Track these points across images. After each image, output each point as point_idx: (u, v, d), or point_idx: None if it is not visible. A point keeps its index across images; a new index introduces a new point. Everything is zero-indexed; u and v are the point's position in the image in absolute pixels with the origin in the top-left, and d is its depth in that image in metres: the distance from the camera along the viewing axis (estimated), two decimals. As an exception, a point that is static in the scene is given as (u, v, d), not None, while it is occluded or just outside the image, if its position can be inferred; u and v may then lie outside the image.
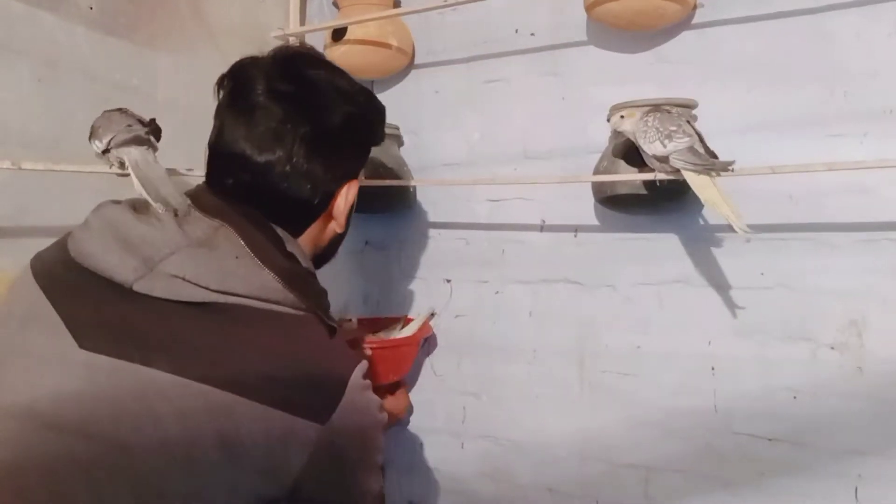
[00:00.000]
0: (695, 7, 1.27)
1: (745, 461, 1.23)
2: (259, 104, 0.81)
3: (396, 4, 1.61)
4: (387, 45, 1.54)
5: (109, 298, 0.71)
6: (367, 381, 0.79)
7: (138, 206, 0.80)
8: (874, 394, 1.14)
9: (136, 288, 0.70)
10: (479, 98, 1.55)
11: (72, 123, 1.17)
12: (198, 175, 1.17)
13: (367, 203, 1.47)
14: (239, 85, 0.84)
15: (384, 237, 1.68)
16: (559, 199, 1.44)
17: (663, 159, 1.07)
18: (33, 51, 1.16)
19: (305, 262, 0.84)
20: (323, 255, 0.93)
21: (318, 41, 1.65)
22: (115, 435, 0.66)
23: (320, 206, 0.86)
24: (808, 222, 1.19)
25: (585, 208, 1.41)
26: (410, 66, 1.64)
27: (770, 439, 1.22)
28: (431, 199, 1.61)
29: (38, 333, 0.72)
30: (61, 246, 0.77)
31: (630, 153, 1.20)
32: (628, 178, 1.18)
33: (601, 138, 1.28)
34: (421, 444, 1.61)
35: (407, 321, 1.53)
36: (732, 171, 1.04)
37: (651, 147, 1.08)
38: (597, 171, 1.25)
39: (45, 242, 0.82)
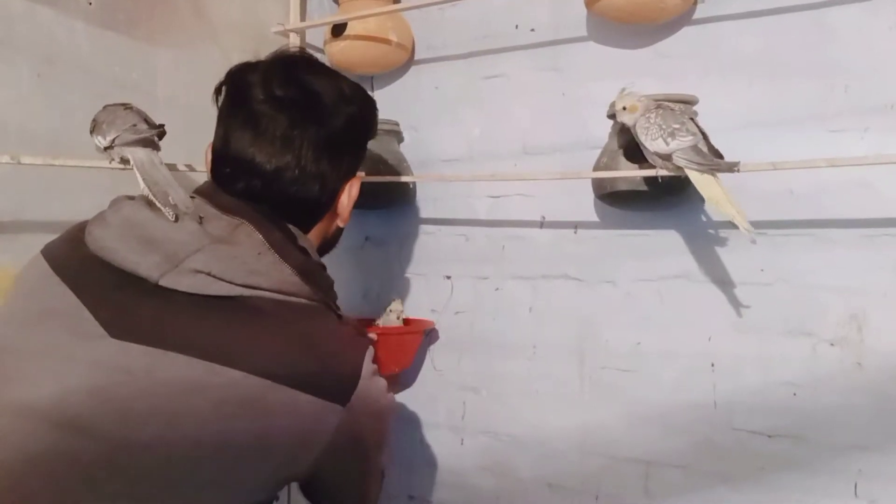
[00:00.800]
0: (695, 2, 1.27)
1: (745, 457, 1.23)
2: (263, 112, 0.83)
3: (396, 0, 1.61)
4: (387, 41, 1.54)
5: (136, 292, 0.73)
6: (376, 366, 0.84)
7: (153, 202, 0.82)
8: (874, 389, 1.14)
9: (162, 283, 0.73)
10: (479, 94, 1.54)
11: (71, 119, 1.17)
12: (199, 172, 1.17)
13: (367, 199, 1.46)
14: (237, 91, 0.86)
15: (384, 233, 1.68)
16: (559, 196, 1.44)
17: (666, 157, 1.07)
18: (32, 47, 1.16)
19: (315, 256, 0.87)
20: (326, 247, 0.97)
21: (318, 37, 1.65)
22: (149, 422, 0.68)
23: (327, 204, 0.90)
24: (808, 218, 1.19)
25: (585, 204, 1.41)
26: (410, 61, 1.64)
27: (770, 435, 1.22)
28: (431, 195, 1.61)
29: (61, 327, 0.72)
30: (75, 240, 0.78)
31: (630, 149, 1.20)
32: (629, 174, 1.18)
33: (601, 134, 1.28)
34: (421, 440, 1.62)
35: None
36: (738, 171, 1.04)
37: (653, 144, 1.07)
38: (597, 168, 1.25)
39: (45, 238, 0.82)
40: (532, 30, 1.48)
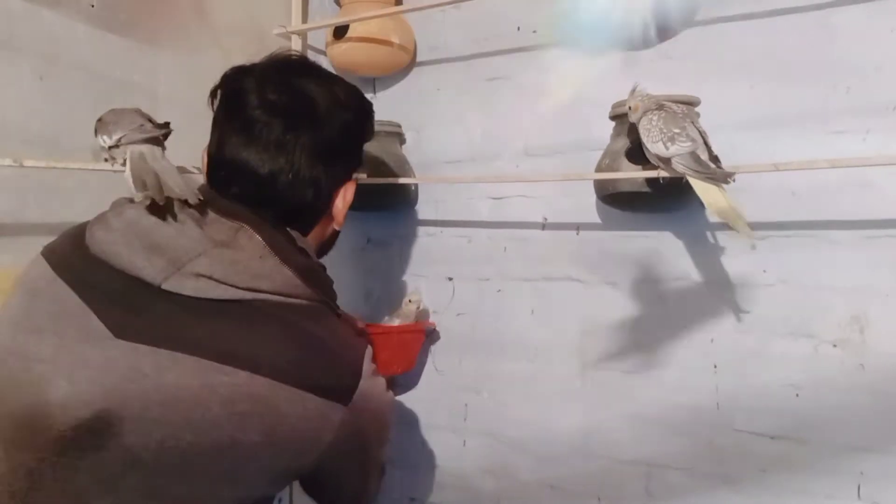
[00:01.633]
0: (697, 3, 1.27)
1: (747, 458, 1.23)
2: (256, 118, 0.84)
3: (398, 2, 1.61)
4: (388, 43, 1.54)
5: (140, 295, 0.74)
6: (374, 365, 0.85)
7: (154, 205, 0.81)
8: (876, 390, 1.14)
9: (164, 286, 0.73)
10: (481, 95, 1.54)
11: (73, 120, 1.17)
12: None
13: (369, 201, 1.48)
14: (232, 96, 0.87)
15: (386, 235, 1.68)
16: (561, 197, 1.44)
17: (665, 161, 1.07)
18: (34, 48, 1.16)
19: (314, 257, 0.88)
20: (322, 249, 0.98)
21: (320, 38, 1.65)
22: (161, 420, 0.69)
23: (322, 209, 0.91)
24: (810, 219, 1.19)
25: (587, 206, 1.40)
26: (412, 63, 1.64)
27: (772, 436, 1.22)
28: (433, 196, 1.61)
29: (69, 330, 0.73)
30: (76, 242, 0.78)
31: (632, 150, 1.19)
32: (630, 175, 1.18)
33: (603, 135, 1.28)
34: (422, 441, 1.61)
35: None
36: (734, 181, 1.02)
37: (654, 147, 1.07)
38: (599, 169, 1.25)
39: (46, 239, 0.82)
40: (534, 31, 1.48)
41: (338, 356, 0.81)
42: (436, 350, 1.60)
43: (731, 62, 1.26)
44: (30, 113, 1.15)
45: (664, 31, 1.23)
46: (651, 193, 1.18)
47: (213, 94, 0.89)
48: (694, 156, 1.04)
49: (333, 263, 0.94)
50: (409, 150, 1.57)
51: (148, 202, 0.79)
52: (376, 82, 1.69)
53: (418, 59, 1.64)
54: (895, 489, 1.12)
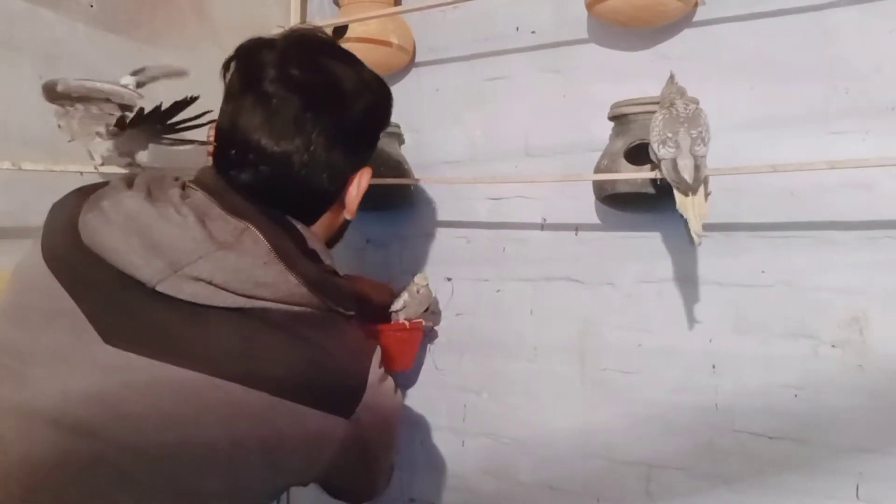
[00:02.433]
0: (696, 4, 1.27)
1: (746, 458, 1.23)
2: (275, 93, 0.79)
3: (397, 2, 1.61)
4: (388, 43, 1.54)
5: (134, 296, 0.70)
6: (383, 368, 0.83)
7: (154, 188, 0.76)
8: (876, 391, 1.14)
9: (159, 289, 0.69)
10: (480, 96, 1.54)
11: (72, 121, 1.17)
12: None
13: (368, 201, 1.46)
14: (250, 69, 0.81)
15: (385, 235, 1.68)
16: (560, 197, 1.44)
17: (658, 162, 1.09)
18: (34, 48, 1.16)
19: (327, 258, 0.84)
20: (330, 242, 0.93)
21: (319, 39, 1.65)
22: (149, 429, 0.67)
23: (335, 195, 0.86)
24: (809, 219, 1.19)
25: (586, 206, 1.40)
26: (411, 63, 1.64)
27: (771, 437, 1.22)
28: (432, 197, 1.61)
29: (61, 330, 0.70)
30: (70, 229, 0.73)
31: (630, 152, 1.20)
32: (629, 176, 1.18)
33: (602, 136, 1.28)
34: (422, 442, 1.61)
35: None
36: (694, 195, 1.06)
37: (652, 145, 1.09)
38: (598, 170, 1.25)
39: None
40: (533, 32, 1.48)
41: (342, 368, 0.77)
42: (435, 350, 1.60)
43: (731, 63, 1.26)
44: (29, 112, 1.15)
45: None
46: (650, 194, 1.18)
47: (226, 67, 0.83)
48: (673, 163, 1.07)
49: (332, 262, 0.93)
50: (408, 151, 1.57)
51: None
52: (375, 83, 1.69)
53: (417, 59, 1.64)
54: (894, 490, 1.12)
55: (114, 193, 0.75)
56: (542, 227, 1.47)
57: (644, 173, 1.15)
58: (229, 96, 0.82)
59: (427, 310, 1.49)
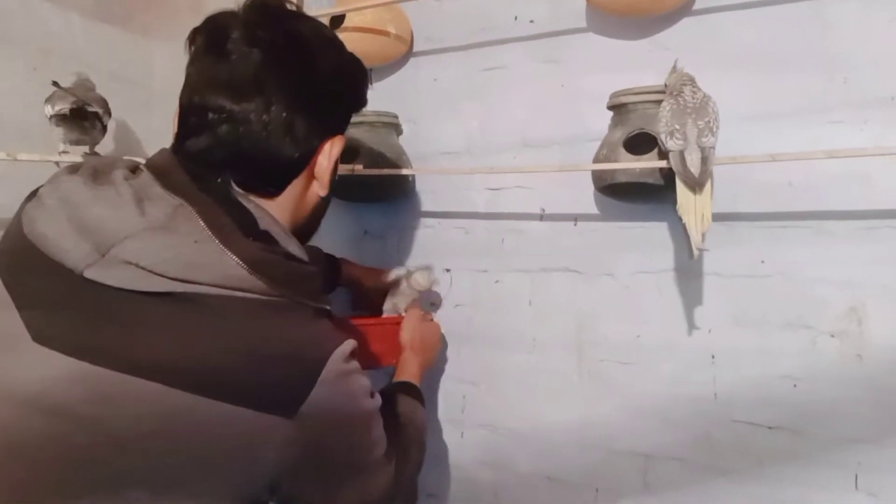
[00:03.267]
0: (694, -7, 1.27)
1: (745, 449, 1.23)
2: (235, 49, 0.75)
3: (394, -9, 1.60)
4: (385, 33, 1.53)
5: (62, 286, 0.66)
6: (351, 366, 0.74)
7: (99, 172, 0.72)
8: (874, 381, 1.14)
9: (87, 275, 0.65)
10: (478, 86, 1.54)
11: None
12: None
13: (366, 192, 1.48)
14: (212, 36, 0.77)
15: (383, 226, 1.68)
16: (558, 188, 1.44)
17: (665, 152, 1.08)
18: (28, 40, 1.16)
19: (285, 240, 0.76)
20: (307, 225, 0.87)
21: (316, 29, 1.64)
22: (64, 436, 0.63)
23: (300, 163, 0.80)
24: (807, 210, 1.19)
25: (585, 197, 1.40)
26: (409, 53, 1.63)
27: (769, 427, 1.22)
28: (430, 187, 1.61)
29: (2, 323, 0.67)
30: (16, 220, 0.71)
31: (629, 141, 1.19)
32: (628, 166, 1.18)
33: (601, 126, 1.28)
34: (421, 433, 1.61)
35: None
36: (700, 193, 1.05)
37: (661, 136, 1.09)
38: (596, 160, 1.25)
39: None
40: (531, 21, 1.47)
41: (283, 361, 0.69)
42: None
43: (728, 53, 1.25)
44: (24, 105, 1.15)
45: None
46: (649, 184, 1.18)
47: (191, 40, 0.79)
48: (681, 156, 1.05)
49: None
50: (406, 141, 1.57)
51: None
52: (373, 73, 1.68)
53: (415, 49, 1.63)
54: (892, 480, 1.12)
55: (53, 179, 0.72)
56: (541, 217, 1.47)
57: (643, 163, 1.15)
58: (190, 62, 0.78)
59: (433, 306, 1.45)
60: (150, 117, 1.32)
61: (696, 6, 1.29)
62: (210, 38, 0.77)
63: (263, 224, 0.75)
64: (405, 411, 1.09)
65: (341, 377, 0.72)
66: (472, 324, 1.54)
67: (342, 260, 1.46)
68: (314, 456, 0.71)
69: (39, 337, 0.65)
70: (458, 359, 1.56)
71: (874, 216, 1.14)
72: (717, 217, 1.23)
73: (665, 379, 1.31)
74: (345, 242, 1.69)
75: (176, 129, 0.78)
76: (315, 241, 0.97)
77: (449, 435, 1.58)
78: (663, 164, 1.10)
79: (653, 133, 1.14)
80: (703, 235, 1.05)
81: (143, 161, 0.78)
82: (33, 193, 0.72)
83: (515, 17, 1.49)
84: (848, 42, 1.16)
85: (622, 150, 1.20)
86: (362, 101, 0.90)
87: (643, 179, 1.18)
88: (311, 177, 0.83)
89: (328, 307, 0.78)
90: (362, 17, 1.50)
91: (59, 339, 0.65)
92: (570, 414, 1.41)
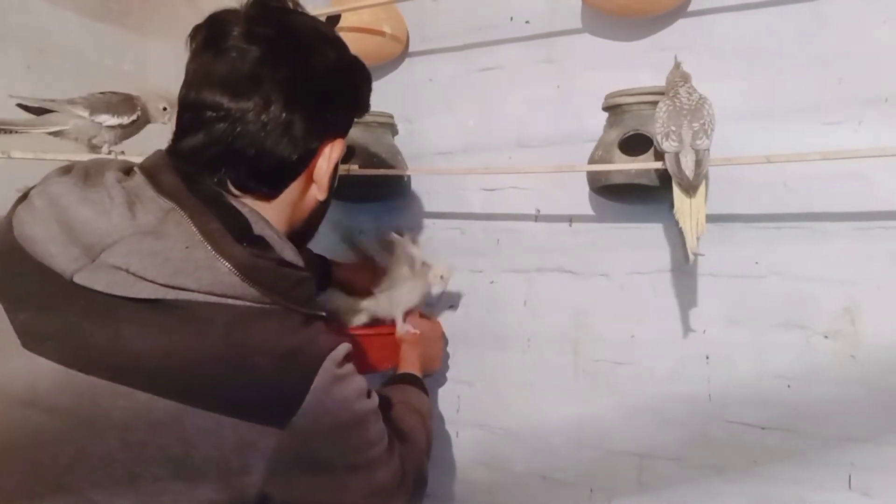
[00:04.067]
0: (690, -6, 1.27)
1: (739, 449, 1.24)
2: (233, 46, 0.73)
3: (390, -9, 1.60)
4: (380, 33, 1.53)
5: (51, 291, 0.65)
6: (344, 370, 0.73)
7: (91, 174, 0.71)
8: (867, 381, 1.14)
9: (76, 280, 0.64)
10: (474, 86, 1.54)
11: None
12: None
13: (361, 192, 1.48)
14: (213, 34, 0.76)
15: (378, 226, 1.68)
16: (554, 188, 1.44)
17: (661, 154, 1.08)
18: (23, 36, 1.15)
19: (279, 245, 0.75)
20: (304, 230, 0.86)
21: (312, 28, 1.64)
22: (59, 450, 0.63)
23: (299, 166, 0.78)
24: (802, 211, 1.19)
25: (580, 197, 1.40)
26: (404, 53, 1.63)
27: (763, 427, 1.22)
28: (426, 188, 1.61)
29: None
30: (6, 224, 0.70)
31: (625, 142, 1.19)
32: (623, 167, 1.18)
33: (596, 126, 1.28)
34: (415, 433, 1.61)
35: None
36: (694, 196, 1.05)
37: (656, 137, 1.09)
38: (592, 160, 1.25)
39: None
40: (527, 21, 1.47)
41: (277, 369, 0.67)
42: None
43: (725, 53, 1.26)
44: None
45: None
46: (644, 185, 1.18)
47: (192, 37, 0.77)
48: (676, 158, 1.05)
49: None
50: (402, 141, 1.57)
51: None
52: (369, 73, 1.68)
53: (411, 49, 1.63)
54: (885, 479, 1.13)
55: (44, 180, 0.71)
56: (536, 218, 1.47)
57: (638, 164, 1.15)
58: (190, 59, 0.77)
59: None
60: (145, 116, 1.31)
61: (692, 7, 1.29)
62: (210, 34, 0.76)
63: (258, 228, 0.74)
64: (408, 399, 1.09)
65: (335, 383, 0.71)
66: (467, 324, 1.54)
67: (332, 261, 1.46)
68: (309, 462, 0.70)
69: (28, 343, 0.64)
70: (453, 359, 1.56)
71: (868, 216, 1.15)
72: (712, 218, 1.24)
73: (660, 379, 1.32)
74: (340, 243, 1.68)
75: (176, 121, 0.77)
76: (311, 243, 0.97)
77: (444, 434, 1.57)
78: (658, 165, 1.11)
79: (648, 134, 1.15)
80: (698, 240, 1.05)
81: (136, 162, 0.77)
82: (24, 195, 0.72)
83: (511, 18, 1.49)
84: (843, 43, 1.16)
85: (617, 151, 1.20)
86: (364, 105, 0.88)
87: (638, 180, 1.18)
88: (310, 180, 0.81)
89: (323, 313, 0.77)
90: (358, 16, 1.50)
91: (48, 346, 0.64)
92: (565, 414, 1.41)
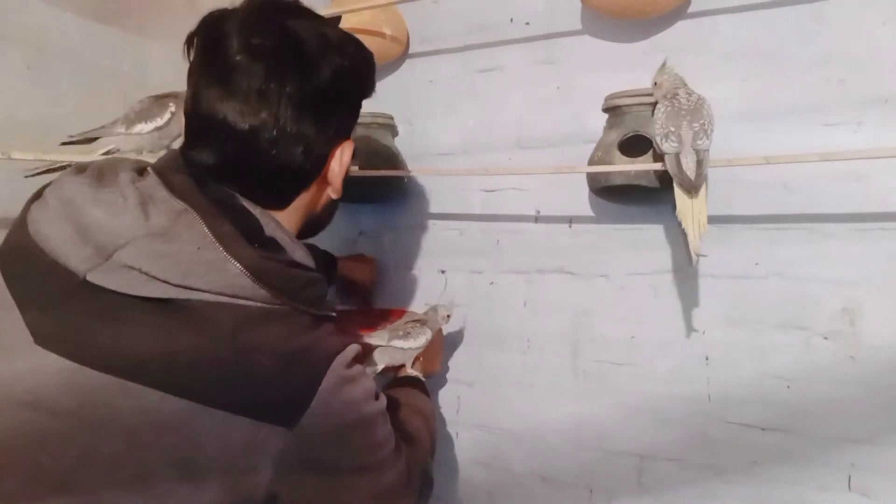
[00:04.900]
0: (690, -5, 1.27)
1: (739, 449, 1.24)
2: (237, 64, 0.73)
3: (390, -8, 1.60)
4: (380, 34, 1.53)
5: (64, 289, 0.66)
6: (353, 371, 0.73)
7: (105, 173, 0.71)
8: (867, 382, 1.14)
9: (89, 279, 0.65)
10: (474, 87, 1.54)
11: (61, 110, 1.16)
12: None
13: (361, 193, 1.48)
14: (211, 42, 0.75)
15: (378, 227, 1.68)
16: (554, 189, 1.44)
17: (661, 155, 1.08)
18: (23, 37, 1.15)
19: (290, 247, 0.76)
20: (317, 223, 0.87)
21: (312, 29, 1.64)
22: (65, 451, 0.63)
23: (313, 172, 0.79)
24: (802, 212, 1.19)
25: (580, 198, 1.40)
26: (404, 54, 1.63)
27: (763, 428, 1.22)
28: (426, 189, 1.61)
29: (4, 321, 0.67)
30: (21, 222, 0.71)
31: (624, 143, 1.20)
32: (623, 168, 1.18)
33: (596, 127, 1.28)
34: (415, 434, 1.61)
35: (398, 314, 1.50)
36: (696, 196, 1.05)
37: (656, 139, 1.09)
38: (591, 162, 1.25)
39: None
40: (527, 23, 1.48)
41: (286, 370, 0.67)
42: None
43: (725, 54, 1.26)
44: (18, 102, 1.14)
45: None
46: (643, 186, 1.18)
47: (189, 42, 0.77)
48: (676, 158, 1.06)
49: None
50: (402, 142, 1.57)
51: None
52: (368, 74, 1.68)
53: (411, 50, 1.63)
54: (885, 480, 1.13)
55: (58, 179, 0.71)
56: (536, 219, 1.47)
57: (638, 165, 1.15)
58: (191, 73, 0.76)
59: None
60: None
61: (692, 8, 1.29)
62: (208, 48, 0.75)
63: (269, 230, 0.74)
64: (412, 401, 1.09)
65: (343, 384, 0.71)
66: (467, 324, 1.54)
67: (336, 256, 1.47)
68: (316, 463, 0.70)
69: (40, 339, 0.64)
70: (452, 359, 1.56)
71: (868, 218, 1.15)
72: (712, 219, 1.24)
73: (659, 379, 1.32)
74: (340, 243, 1.69)
75: (185, 132, 0.78)
76: (311, 242, 0.97)
77: (444, 435, 1.57)
78: (658, 166, 1.11)
79: (647, 135, 1.15)
80: (701, 240, 1.05)
81: (151, 162, 0.77)
82: (39, 193, 0.72)
83: (511, 19, 1.49)
84: (843, 44, 1.17)
85: (617, 153, 1.20)
86: (368, 94, 0.87)
87: (638, 182, 1.18)
88: (324, 183, 0.82)
89: (333, 314, 0.77)
90: (358, 17, 1.50)
91: (60, 343, 0.64)
92: (564, 414, 1.41)
